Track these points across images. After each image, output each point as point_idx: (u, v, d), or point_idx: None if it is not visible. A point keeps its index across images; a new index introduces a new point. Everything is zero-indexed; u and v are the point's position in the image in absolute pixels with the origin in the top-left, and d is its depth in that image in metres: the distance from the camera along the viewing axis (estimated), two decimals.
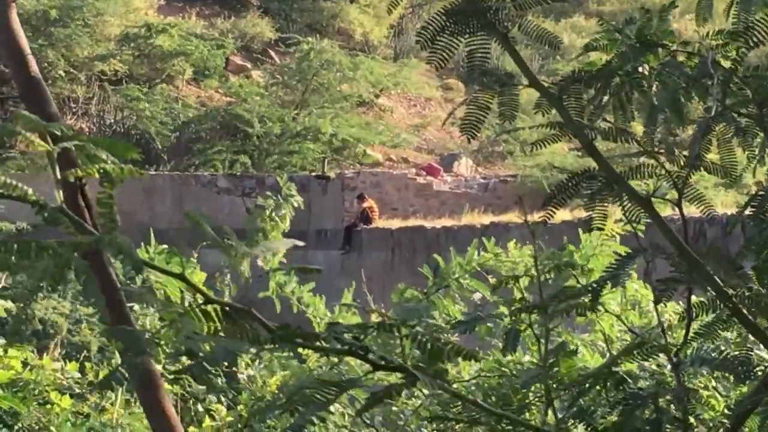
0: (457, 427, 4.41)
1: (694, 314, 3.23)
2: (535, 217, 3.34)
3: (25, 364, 6.08)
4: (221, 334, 2.44)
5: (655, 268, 3.21)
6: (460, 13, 2.95)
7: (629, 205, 3.12)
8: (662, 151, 3.23)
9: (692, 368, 3.38)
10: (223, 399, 6.52)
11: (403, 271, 21.58)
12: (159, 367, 4.91)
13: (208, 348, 2.38)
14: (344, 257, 26.75)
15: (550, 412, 3.32)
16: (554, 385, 3.39)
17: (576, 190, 3.11)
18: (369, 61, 37.81)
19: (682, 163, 3.22)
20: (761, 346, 3.29)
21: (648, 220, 3.17)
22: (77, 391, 6.20)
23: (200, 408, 6.43)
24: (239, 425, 5.76)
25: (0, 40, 4.91)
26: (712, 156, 3.28)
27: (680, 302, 3.52)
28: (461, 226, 25.01)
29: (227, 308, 2.48)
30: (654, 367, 3.83)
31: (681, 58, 3.20)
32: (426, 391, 4.61)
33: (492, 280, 5.74)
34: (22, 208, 2.72)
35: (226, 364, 6.38)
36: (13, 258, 2.36)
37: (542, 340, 3.48)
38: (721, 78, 3.05)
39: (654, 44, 3.16)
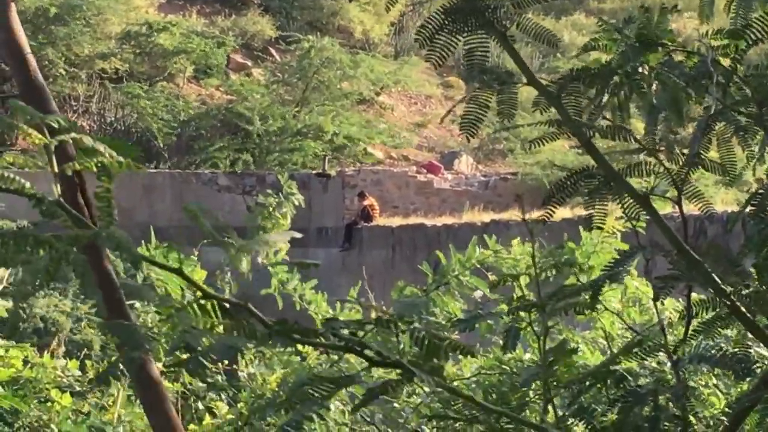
0: (457, 425, 4.42)
1: (694, 312, 3.23)
2: (536, 215, 3.34)
3: (25, 362, 6.09)
4: (220, 330, 2.44)
5: (655, 266, 3.21)
6: (459, 11, 2.96)
7: (628, 202, 3.13)
8: (662, 149, 3.23)
9: (692, 366, 3.38)
10: (223, 397, 6.52)
11: (403, 269, 21.58)
12: (159, 365, 4.91)
13: (206, 343, 2.38)
14: (345, 255, 26.77)
15: (550, 409, 3.33)
16: (554, 383, 3.39)
17: (575, 188, 3.12)
18: (369, 59, 37.80)
19: (681, 162, 3.22)
20: (760, 343, 3.29)
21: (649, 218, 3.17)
22: (78, 389, 6.21)
23: (200, 406, 6.43)
24: (239, 423, 5.76)
25: (0, 39, 4.91)
26: (713, 154, 3.28)
27: (681, 299, 3.52)
28: (462, 224, 25.02)
29: (224, 304, 2.48)
30: (654, 364, 3.83)
31: (680, 57, 3.20)
32: (427, 389, 4.62)
33: (492, 278, 5.75)
34: (23, 207, 2.71)
35: (226, 362, 6.38)
36: (10, 252, 2.36)
37: (542, 338, 3.49)
38: (720, 77, 3.05)
39: (653, 43, 3.16)
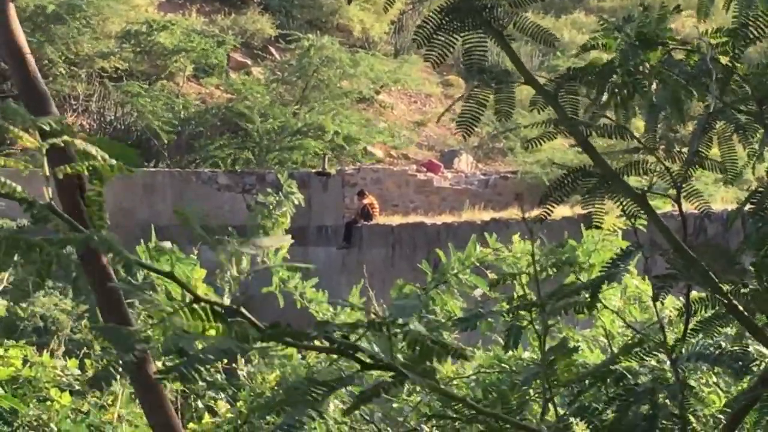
0: (456, 424, 4.42)
1: (694, 310, 3.23)
2: (535, 213, 3.34)
3: (25, 361, 6.08)
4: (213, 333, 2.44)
5: (654, 264, 3.21)
6: (456, 10, 2.95)
7: (626, 201, 3.12)
8: (663, 147, 3.23)
9: (691, 364, 3.37)
10: (223, 395, 6.52)
11: (403, 268, 21.58)
12: (159, 364, 4.91)
13: (198, 347, 2.37)
14: (345, 254, 26.78)
15: (550, 408, 3.32)
16: (554, 382, 3.39)
17: (573, 187, 3.12)
18: (369, 58, 37.82)
19: (681, 160, 3.22)
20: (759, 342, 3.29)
21: None
22: (77, 388, 6.20)
23: (200, 404, 6.43)
24: (239, 421, 5.76)
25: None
26: (714, 152, 3.28)
27: (681, 298, 3.52)
28: (461, 223, 25.01)
29: (217, 307, 2.47)
30: (654, 363, 3.83)
31: (680, 55, 3.20)
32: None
33: (491, 275, 5.74)
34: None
35: (225, 360, 6.38)
36: (2, 255, 2.36)
37: (542, 337, 3.48)
38: (719, 75, 3.05)
39: (653, 42, 3.16)
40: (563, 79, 3.11)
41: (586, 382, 3.41)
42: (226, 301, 6.35)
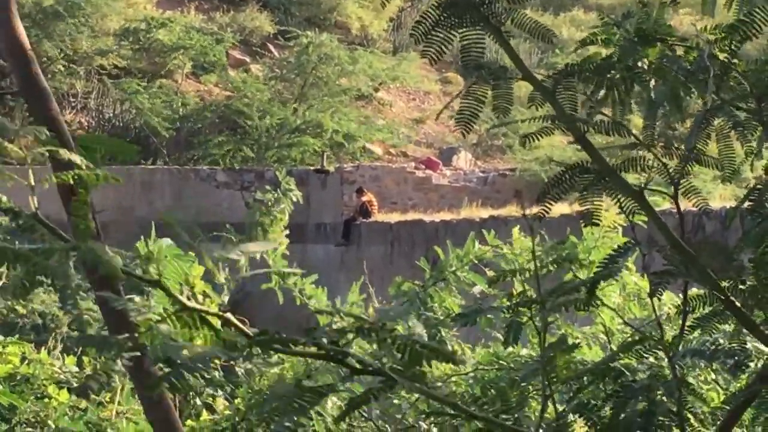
0: (455, 421, 4.41)
1: (692, 307, 3.23)
2: (533, 210, 3.33)
3: (23, 358, 6.08)
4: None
5: (653, 261, 3.21)
6: (454, 6, 2.95)
7: (623, 198, 3.12)
8: (661, 144, 3.23)
9: (689, 360, 3.37)
10: (221, 393, 6.52)
11: (402, 265, 21.58)
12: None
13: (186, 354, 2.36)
14: (343, 251, 26.77)
15: (549, 405, 3.32)
16: (554, 379, 3.38)
17: (571, 183, 3.11)
18: (368, 55, 37.80)
19: (678, 157, 3.21)
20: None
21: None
22: (75, 385, 6.20)
23: (198, 401, 6.43)
24: (237, 419, 5.76)
25: (0, 35, 4.89)
26: (712, 149, 3.27)
27: (679, 294, 3.52)
28: (460, 220, 25.00)
29: (204, 314, 2.47)
30: (652, 360, 3.83)
31: (679, 52, 3.19)
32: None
33: (490, 273, 5.74)
34: (23, 202, 2.70)
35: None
36: None
37: (542, 334, 3.48)
38: (717, 71, 3.05)
39: (653, 39, 3.15)
40: (561, 75, 3.10)
41: (585, 379, 3.41)
42: (225, 299, 6.35)
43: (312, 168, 30.04)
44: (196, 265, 5.95)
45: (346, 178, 29.14)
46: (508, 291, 4.50)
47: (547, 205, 3.13)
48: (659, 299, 3.37)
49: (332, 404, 5.21)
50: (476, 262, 5.93)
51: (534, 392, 4.28)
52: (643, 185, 3.09)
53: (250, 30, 40.09)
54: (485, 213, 25.49)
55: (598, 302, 3.96)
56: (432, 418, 4.78)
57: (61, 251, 2.40)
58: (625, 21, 3.20)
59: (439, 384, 4.98)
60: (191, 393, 6.54)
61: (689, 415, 3.27)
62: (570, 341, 3.62)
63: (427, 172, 31.38)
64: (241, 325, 2.44)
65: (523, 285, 4.55)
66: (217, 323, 2.47)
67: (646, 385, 3.20)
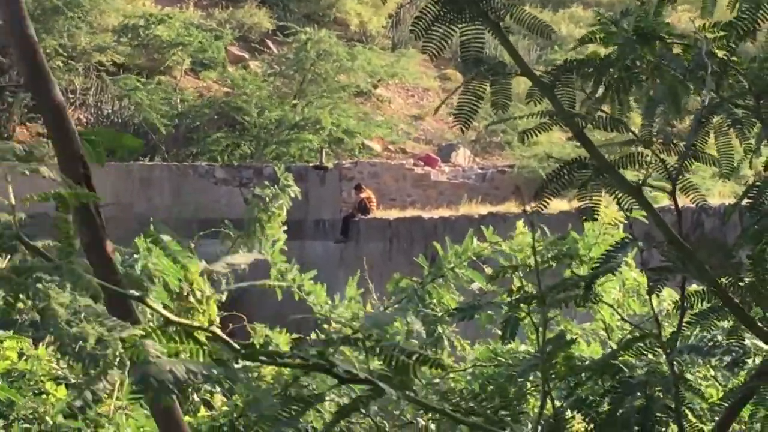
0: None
1: (690, 303, 3.23)
2: (531, 206, 3.33)
3: (20, 354, 6.07)
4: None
5: (652, 257, 3.21)
6: (454, 2, 2.94)
7: (621, 194, 3.12)
8: (660, 141, 3.23)
9: (687, 357, 3.38)
10: (219, 389, 6.51)
11: (400, 261, 21.57)
12: None
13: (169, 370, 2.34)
14: (342, 247, 26.77)
15: (548, 401, 3.32)
16: (552, 375, 3.38)
17: (569, 179, 3.11)
18: (367, 52, 37.79)
19: (677, 154, 3.22)
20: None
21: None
22: (72, 381, 6.19)
23: (196, 398, 6.42)
24: (234, 415, 5.75)
25: (7, 26, 4.88)
26: (711, 146, 3.27)
27: (678, 290, 3.52)
28: (459, 217, 25.00)
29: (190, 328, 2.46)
30: (650, 356, 3.83)
31: (677, 50, 3.19)
32: (422, 381, 4.62)
33: (488, 270, 5.74)
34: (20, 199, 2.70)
35: None
36: None
37: (541, 330, 3.48)
38: (715, 69, 3.05)
39: (651, 36, 3.15)
40: (560, 71, 3.10)
41: (583, 375, 3.41)
42: (223, 297, 6.33)
43: (311, 164, 30.03)
44: (195, 260, 5.96)
45: (344, 174, 29.14)
46: (507, 288, 4.50)
47: (545, 201, 3.13)
48: (658, 296, 3.37)
49: (331, 402, 5.20)
50: (475, 258, 5.93)
51: (532, 388, 4.28)
52: (641, 181, 3.09)
53: (248, 26, 40.08)
54: (484, 210, 25.48)
55: (598, 298, 3.97)
56: (430, 414, 4.78)
57: (39, 270, 2.40)
58: (623, 19, 3.20)
59: (437, 380, 4.99)
60: (189, 389, 6.54)
61: (687, 411, 3.27)
62: (569, 338, 3.62)
63: (425, 168, 31.38)
64: (227, 338, 2.44)
65: (521, 281, 4.55)
66: (202, 337, 2.47)
67: (643, 381, 3.20)
